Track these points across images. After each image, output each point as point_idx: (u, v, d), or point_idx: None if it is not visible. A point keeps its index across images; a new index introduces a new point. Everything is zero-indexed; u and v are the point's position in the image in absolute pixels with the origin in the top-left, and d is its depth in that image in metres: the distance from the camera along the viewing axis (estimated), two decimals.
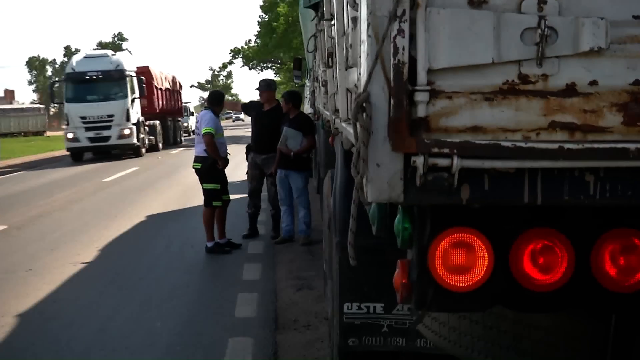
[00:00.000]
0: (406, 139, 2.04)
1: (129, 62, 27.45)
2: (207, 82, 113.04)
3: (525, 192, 2.12)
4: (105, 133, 25.30)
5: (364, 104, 2.06)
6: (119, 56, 27.47)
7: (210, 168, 8.36)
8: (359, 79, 2.30)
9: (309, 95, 12.31)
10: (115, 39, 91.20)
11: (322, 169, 8.59)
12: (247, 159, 9.45)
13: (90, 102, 25.20)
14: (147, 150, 28.00)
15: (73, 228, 10.80)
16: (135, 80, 26.41)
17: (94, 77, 25.37)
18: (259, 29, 49.04)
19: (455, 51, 2.05)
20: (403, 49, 2.02)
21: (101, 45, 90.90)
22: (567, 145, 2.04)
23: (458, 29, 2.04)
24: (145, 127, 27.79)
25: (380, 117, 2.06)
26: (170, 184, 16.55)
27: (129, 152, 26.62)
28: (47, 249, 9.26)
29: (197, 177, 8.68)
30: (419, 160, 2.03)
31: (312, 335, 5.59)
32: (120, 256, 8.74)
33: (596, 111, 2.10)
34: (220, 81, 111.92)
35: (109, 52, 28.69)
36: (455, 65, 2.06)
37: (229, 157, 8.68)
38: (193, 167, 8.63)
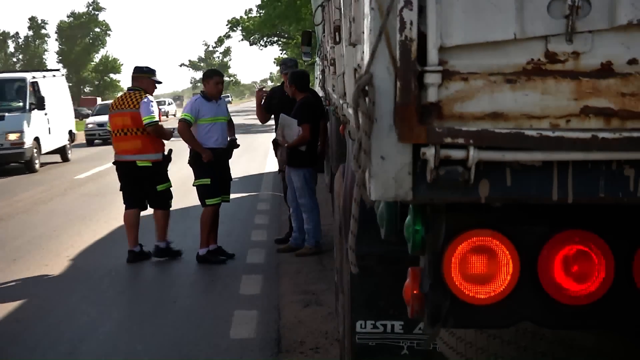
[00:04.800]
0: (415, 127, 2.10)
1: None
2: (200, 60, 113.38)
3: (553, 188, 2.18)
4: None
5: (366, 87, 2.13)
6: None
7: (196, 161, 8.50)
8: (362, 59, 2.37)
9: (319, 76, 12.34)
10: (90, 8, 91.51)
11: (333, 164, 8.63)
12: (275, 155, 9.64)
13: None
14: None
15: (39, 234, 10.93)
16: None
17: None
18: None
19: (472, 25, 2.11)
20: (411, 23, 2.09)
21: (74, 16, 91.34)
22: (602, 134, 2.10)
23: (474, 0, 2.11)
24: None
25: (384, 102, 2.14)
26: None
27: None
28: (7, 259, 9.39)
29: (189, 173, 8.83)
30: (430, 152, 2.10)
31: (321, 359, 5.66)
32: (96, 267, 8.83)
33: (636, 94, 2.15)
34: (216, 59, 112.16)
35: None
36: (472, 42, 2.13)
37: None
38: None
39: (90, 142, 31.92)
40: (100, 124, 30.87)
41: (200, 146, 8.40)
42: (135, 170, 8.65)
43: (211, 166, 8.50)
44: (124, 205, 8.98)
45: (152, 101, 8.58)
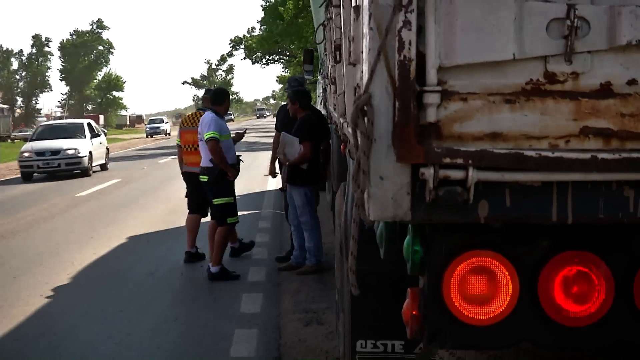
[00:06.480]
0: (413, 147, 2.10)
1: None
2: (203, 77, 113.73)
3: (553, 209, 2.18)
4: None
5: (365, 107, 2.13)
6: None
7: (219, 179, 8.47)
8: (361, 78, 2.37)
9: (321, 94, 12.38)
10: (94, 26, 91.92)
11: (335, 182, 8.62)
12: (280, 173, 9.65)
13: None
14: None
15: (40, 252, 10.91)
16: None
17: None
18: (264, 15, 49.47)
19: (470, 46, 2.11)
20: (409, 43, 2.09)
21: (78, 34, 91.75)
22: (601, 155, 2.10)
23: (473, 20, 2.11)
24: None
25: (383, 122, 2.13)
26: (156, 200, 16.68)
27: None
28: (8, 276, 9.38)
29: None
30: (429, 173, 2.10)
31: None
32: (96, 285, 8.83)
33: (636, 115, 2.15)
34: (219, 77, 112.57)
35: None
36: (471, 62, 2.13)
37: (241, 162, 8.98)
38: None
39: (26, 177, 23.10)
40: (40, 152, 22.98)
41: (228, 165, 8.42)
42: (199, 180, 9.03)
43: (233, 184, 8.60)
44: (188, 211, 9.79)
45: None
